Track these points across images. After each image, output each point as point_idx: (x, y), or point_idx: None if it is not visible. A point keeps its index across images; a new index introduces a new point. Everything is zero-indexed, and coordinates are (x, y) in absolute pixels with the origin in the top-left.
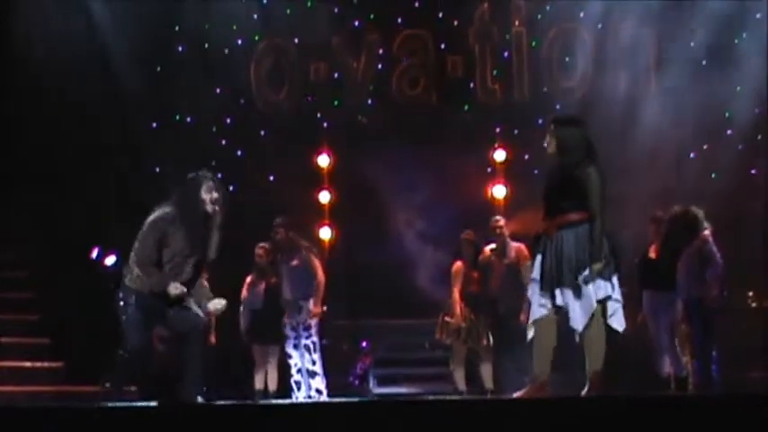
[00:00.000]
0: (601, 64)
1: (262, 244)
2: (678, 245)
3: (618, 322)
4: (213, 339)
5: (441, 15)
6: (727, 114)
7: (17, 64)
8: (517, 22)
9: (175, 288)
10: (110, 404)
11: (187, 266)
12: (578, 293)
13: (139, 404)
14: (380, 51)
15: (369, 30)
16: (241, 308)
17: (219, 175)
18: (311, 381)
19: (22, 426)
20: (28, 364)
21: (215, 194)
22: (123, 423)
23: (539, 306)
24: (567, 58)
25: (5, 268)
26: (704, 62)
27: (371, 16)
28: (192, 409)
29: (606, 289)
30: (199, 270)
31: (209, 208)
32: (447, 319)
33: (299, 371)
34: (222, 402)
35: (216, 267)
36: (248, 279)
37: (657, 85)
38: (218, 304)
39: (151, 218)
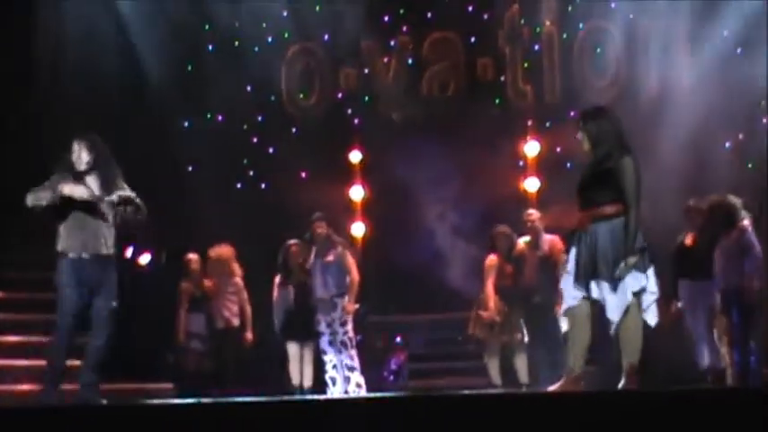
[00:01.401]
0: (633, 56)
1: (293, 241)
2: (716, 234)
3: (652, 316)
4: (250, 336)
5: (470, 16)
6: (762, 103)
7: (47, 64)
8: (548, 22)
9: (70, 189)
10: (143, 401)
11: (98, 213)
12: (614, 287)
13: (175, 401)
14: (410, 54)
15: (399, 32)
16: (274, 307)
17: (251, 173)
18: (351, 375)
19: (45, 423)
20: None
21: (80, 155)
22: (157, 420)
23: (572, 298)
24: (598, 50)
25: (42, 268)
26: (738, 50)
27: (401, 11)
28: (228, 406)
29: (641, 281)
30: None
31: (81, 167)
32: (480, 312)
33: (333, 367)
34: (258, 399)
35: (250, 264)
36: (276, 279)
37: (691, 76)
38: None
39: None
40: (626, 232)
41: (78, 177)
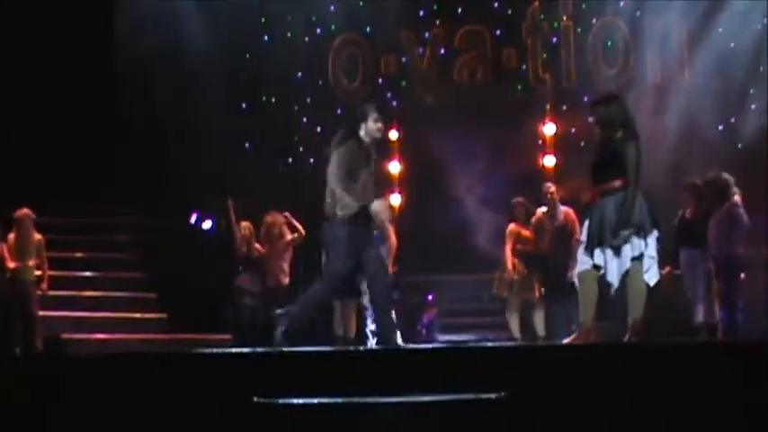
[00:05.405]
0: (639, 48)
1: None
2: (711, 207)
3: (650, 277)
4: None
5: (496, 12)
6: (751, 91)
7: (123, 55)
8: (565, 18)
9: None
10: (206, 350)
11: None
12: (616, 253)
13: (233, 350)
14: (443, 44)
15: (433, 25)
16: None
17: (300, 149)
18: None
19: (133, 368)
20: (138, 315)
21: (380, 124)
22: (218, 366)
23: (582, 263)
24: (609, 42)
25: (119, 232)
26: (731, 45)
27: (435, 7)
28: (280, 355)
29: (641, 247)
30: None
31: (377, 135)
32: (502, 274)
33: (373, 321)
34: (306, 348)
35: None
36: None
37: (689, 67)
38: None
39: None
40: (623, 208)
41: (369, 147)
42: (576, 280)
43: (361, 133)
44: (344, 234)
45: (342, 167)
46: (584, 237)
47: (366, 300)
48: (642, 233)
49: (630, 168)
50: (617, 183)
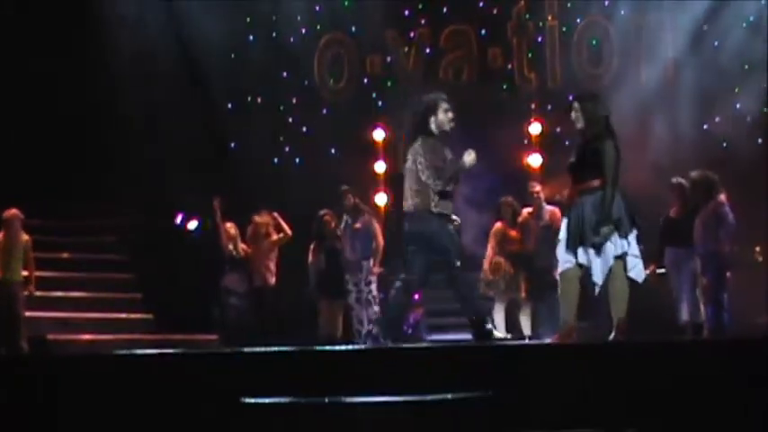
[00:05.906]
0: (624, 47)
1: (325, 211)
2: (697, 206)
3: (636, 275)
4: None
5: (482, 11)
6: (736, 90)
7: (108, 54)
8: (550, 17)
9: (468, 154)
10: (193, 351)
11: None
12: (598, 251)
13: (220, 351)
14: (428, 44)
15: (418, 24)
16: (309, 268)
17: (286, 149)
18: (374, 328)
19: (119, 369)
20: (124, 315)
21: (450, 114)
22: (206, 367)
23: (564, 262)
24: (594, 41)
25: (105, 233)
26: (716, 43)
27: (420, 6)
28: (267, 355)
29: (623, 246)
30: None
31: (448, 126)
32: (486, 274)
33: (359, 321)
34: (293, 348)
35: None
36: (312, 245)
37: (674, 65)
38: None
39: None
40: (601, 206)
41: (444, 138)
42: (558, 280)
43: (432, 126)
44: (444, 222)
45: (430, 167)
46: (562, 235)
47: (352, 300)
48: (622, 232)
49: (608, 167)
50: (595, 182)
